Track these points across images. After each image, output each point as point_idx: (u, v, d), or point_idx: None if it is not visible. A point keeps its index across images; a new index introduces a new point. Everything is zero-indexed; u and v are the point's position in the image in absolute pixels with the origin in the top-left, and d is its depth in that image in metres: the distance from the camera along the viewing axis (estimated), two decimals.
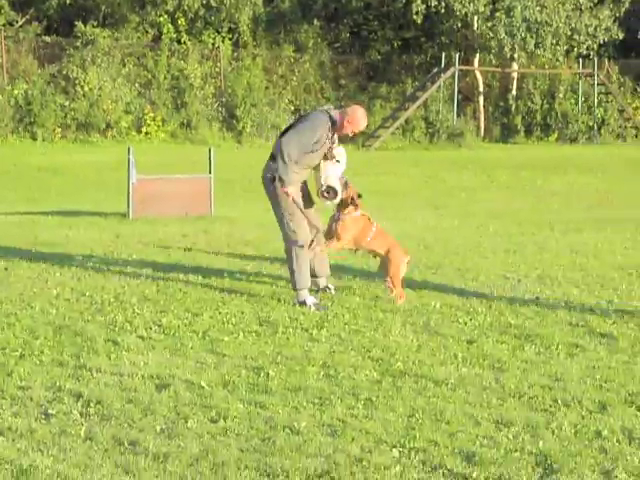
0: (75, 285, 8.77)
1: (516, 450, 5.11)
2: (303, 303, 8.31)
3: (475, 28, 35.36)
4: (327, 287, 8.89)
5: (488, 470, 4.84)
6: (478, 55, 36.18)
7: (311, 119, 8.57)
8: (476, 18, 34.82)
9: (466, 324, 7.79)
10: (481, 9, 33.91)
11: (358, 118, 8.53)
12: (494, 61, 35.88)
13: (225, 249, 11.15)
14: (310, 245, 8.57)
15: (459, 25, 35.45)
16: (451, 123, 34.17)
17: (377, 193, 20.38)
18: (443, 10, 33.88)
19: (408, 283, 9.30)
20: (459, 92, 35.31)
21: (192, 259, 10.39)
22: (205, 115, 31.85)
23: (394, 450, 5.07)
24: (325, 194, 8.45)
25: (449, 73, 34.43)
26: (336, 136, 8.58)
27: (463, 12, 33.85)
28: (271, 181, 8.42)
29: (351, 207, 8.55)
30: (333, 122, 8.44)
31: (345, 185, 8.55)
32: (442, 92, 35.08)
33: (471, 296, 8.81)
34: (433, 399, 5.90)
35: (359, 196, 8.59)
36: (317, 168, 8.57)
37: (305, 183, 8.69)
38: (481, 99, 36.74)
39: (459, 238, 12.55)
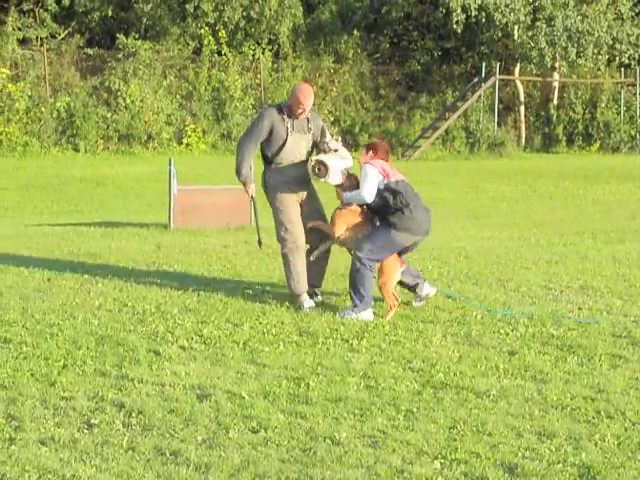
0: (117, 295, 8.83)
1: (559, 462, 5.08)
2: (300, 308, 8.47)
3: (516, 37, 35.23)
4: (315, 293, 8.93)
5: None
6: (519, 64, 36.04)
7: (257, 116, 9.04)
8: (517, 27, 34.68)
9: (508, 335, 7.75)
10: (522, 18, 33.78)
11: (300, 88, 8.71)
12: (535, 70, 35.69)
13: (265, 259, 11.17)
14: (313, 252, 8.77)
15: (499, 35, 35.33)
16: (492, 133, 34.06)
17: None
18: (483, 20, 33.78)
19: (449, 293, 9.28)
20: (500, 102, 35.19)
21: (233, 269, 10.42)
22: (245, 126, 31.95)
23: (436, 461, 5.06)
24: (316, 170, 8.49)
25: (489, 83, 34.33)
26: (320, 125, 8.83)
27: (504, 22, 33.74)
28: (262, 187, 8.79)
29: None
30: (280, 109, 8.66)
31: (349, 176, 8.63)
32: (482, 102, 35.00)
33: (513, 306, 8.77)
34: (475, 411, 5.88)
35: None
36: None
37: (310, 190, 8.81)
38: (522, 109, 36.58)
39: (500, 248, 12.48)
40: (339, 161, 8.60)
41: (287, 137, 8.60)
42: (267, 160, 8.74)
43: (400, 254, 8.52)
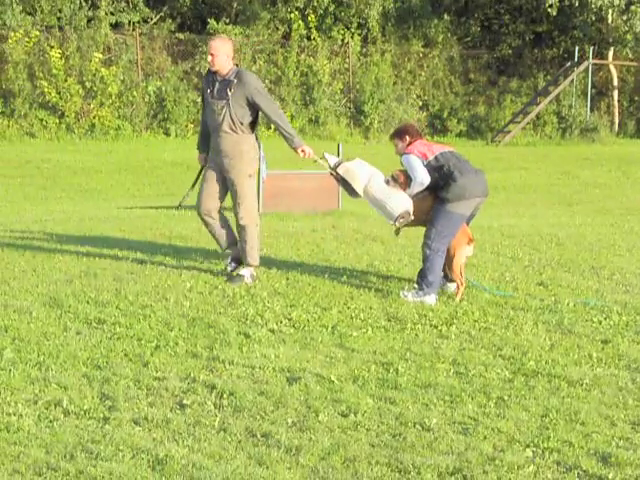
0: (208, 278, 8.91)
1: None
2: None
3: (610, 21, 34.55)
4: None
5: (624, 472, 4.74)
6: (613, 49, 35.34)
7: None
8: (611, 11, 33.99)
9: (600, 323, 7.63)
10: (616, 2, 33.05)
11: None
12: (630, 55, 34.95)
13: (353, 244, 11.17)
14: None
15: (593, 18, 34.66)
16: (584, 118, 33.48)
17: (506, 189, 20.17)
18: (577, 3, 33.18)
19: (540, 281, 9.17)
20: (593, 86, 34.56)
21: (321, 254, 10.44)
22: (333, 111, 31.97)
23: (528, 450, 5.01)
24: (401, 220, 8.41)
25: (582, 67, 33.73)
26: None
27: (598, 5, 33.06)
28: None
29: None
30: (209, 71, 8.62)
31: (396, 177, 8.56)
32: (575, 86, 34.40)
33: (606, 294, 8.63)
34: (567, 399, 5.80)
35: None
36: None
37: (229, 164, 8.67)
38: (615, 94, 35.87)
39: (593, 235, 12.28)
40: (397, 191, 8.48)
41: (206, 100, 8.65)
42: None
43: (467, 223, 8.52)
